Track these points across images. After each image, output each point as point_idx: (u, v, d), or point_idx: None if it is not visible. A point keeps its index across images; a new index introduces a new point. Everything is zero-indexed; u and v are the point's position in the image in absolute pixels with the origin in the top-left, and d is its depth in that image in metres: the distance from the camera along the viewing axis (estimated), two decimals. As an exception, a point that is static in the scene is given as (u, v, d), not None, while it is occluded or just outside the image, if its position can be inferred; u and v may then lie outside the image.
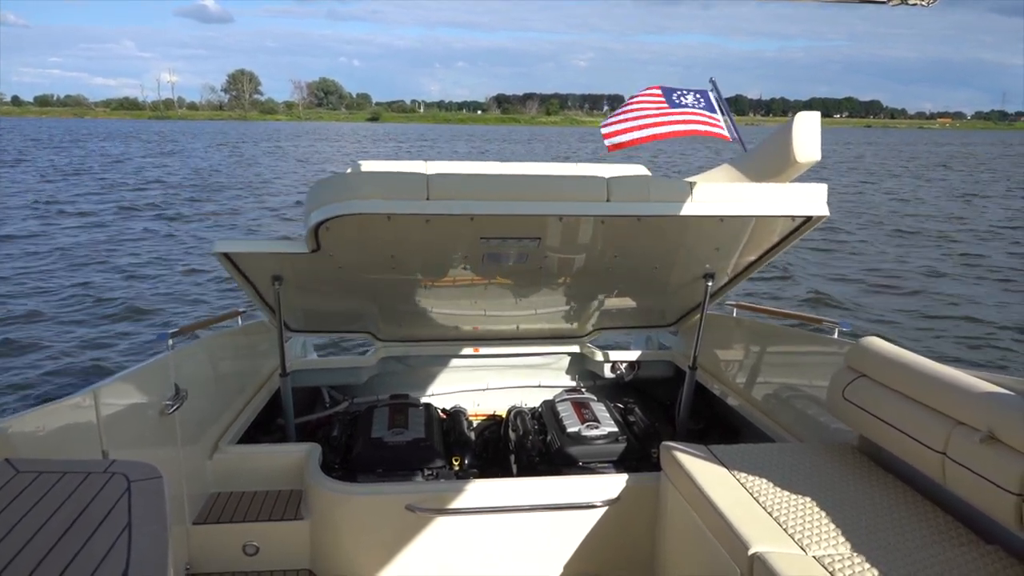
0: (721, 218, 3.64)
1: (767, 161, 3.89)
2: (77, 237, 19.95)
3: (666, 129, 4.95)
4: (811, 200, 3.54)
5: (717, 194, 3.45)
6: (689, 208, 3.43)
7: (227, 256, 3.76)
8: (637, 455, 4.22)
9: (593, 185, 3.36)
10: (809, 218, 3.67)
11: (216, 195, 30.08)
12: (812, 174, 3.78)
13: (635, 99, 5.10)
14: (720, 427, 4.87)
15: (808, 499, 2.92)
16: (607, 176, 3.42)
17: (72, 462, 1.95)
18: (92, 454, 2.73)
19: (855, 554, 2.54)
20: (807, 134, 3.62)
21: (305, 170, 42.88)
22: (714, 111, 4.79)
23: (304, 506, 3.75)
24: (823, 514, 2.81)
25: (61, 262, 16.66)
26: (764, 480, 3.08)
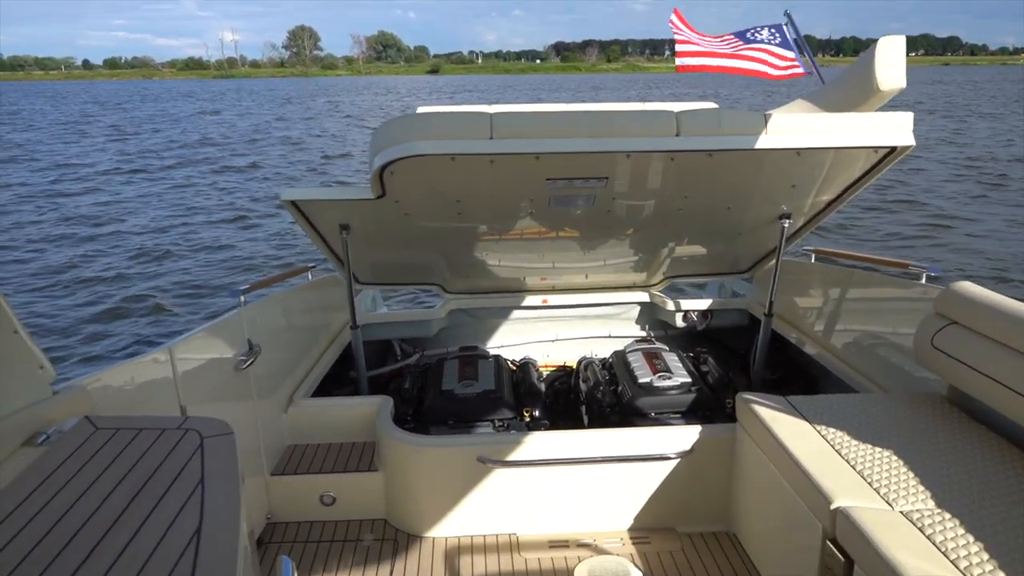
0: (798, 151, 3.45)
1: (847, 92, 3.66)
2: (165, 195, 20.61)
3: (739, 64, 4.74)
4: (896, 129, 3.32)
5: (794, 125, 3.26)
6: (764, 141, 3.26)
7: (295, 204, 3.75)
8: (711, 406, 4.12)
9: (661, 119, 3.22)
10: (893, 149, 3.45)
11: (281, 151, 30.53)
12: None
13: (703, 36, 4.89)
14: (797, 377, 4.71)
15: (894, 452, 2.79)
16: (676, 110, 3.27)
17: (148, 419, 1.96)
18: (170, 410, 2.77)
19: (944, 510, 2.41)
20: (891, 60, 3.39)
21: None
22: (789, 47, 4.55)
23: (378, 458, 3.78)
24: (910, 468, 2.68)
25: (144, 218, 17.19)
26: (846, 432, 2.95)
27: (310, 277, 4.64)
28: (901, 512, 2.43)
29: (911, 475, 2.63)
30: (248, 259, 13.61)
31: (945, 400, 3.23)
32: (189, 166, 26.72)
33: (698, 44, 4.86)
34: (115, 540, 1.43)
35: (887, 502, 2.48)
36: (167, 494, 1.58)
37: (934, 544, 2.24)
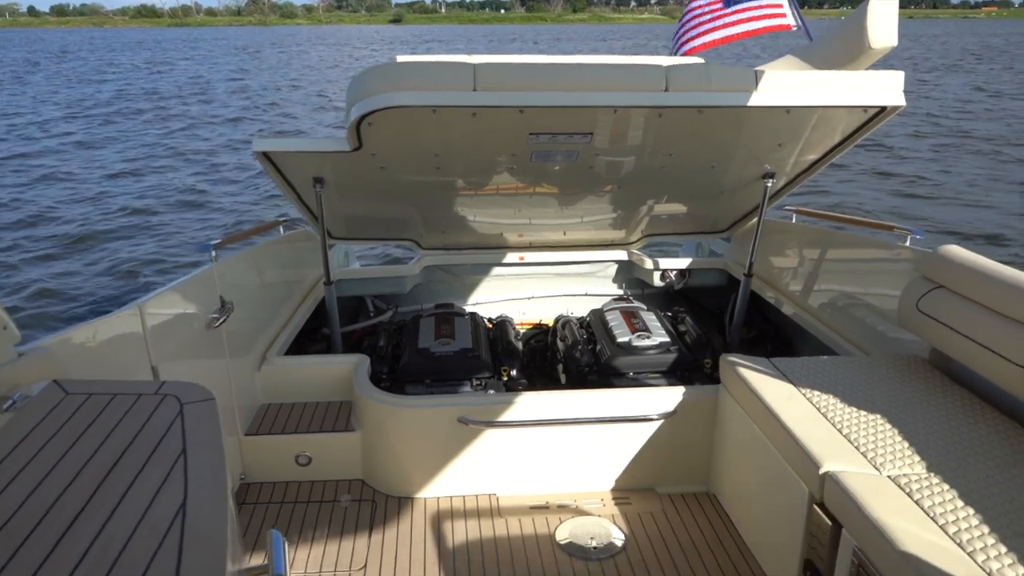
0: (788, 109, 3.40)
1: (837, 49, 3.59)
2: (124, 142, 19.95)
3: (725, 33, 4.67)
4: (887, 88, 3.28)
5: (785, 82, 3.19)
6: (754, 98, 3.19)
7: (266, 156, 3.60)
8: (689, 366, 4.10)
9: (650, 74, 3.13)
10: (883, 109, 3.40)
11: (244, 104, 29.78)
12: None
13: (693, 3, 4.80)
14: (774, 338, 4.72)
15: (879, 415, 2.78)
16: (665, 64, 3.18)
17: (122, 383, 1.84)
18: (141, 370, 2.64)
19: (932, 474, 2.41)
20: (883, 17, 3.32)
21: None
22: None
23: (355, 417, 3.70)
24: (896, 431, 2.68)
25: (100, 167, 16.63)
26: (831, 395, 2.94)
27: (282, 231, 4.49)
28: (889, 476, 2.42)
29: (897, 439, 2.62)
30: (217, 214, 13.26)
31: (927, 363, 3.23)
32: (142, 115, 25.97)
33: (686, 30, 4.78)
34: (93, 517, 1.33)
35: (875, 466, 2.48)
36: (147, 465, 1.48)
37: (922, 509, 2.24)
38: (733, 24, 4.45)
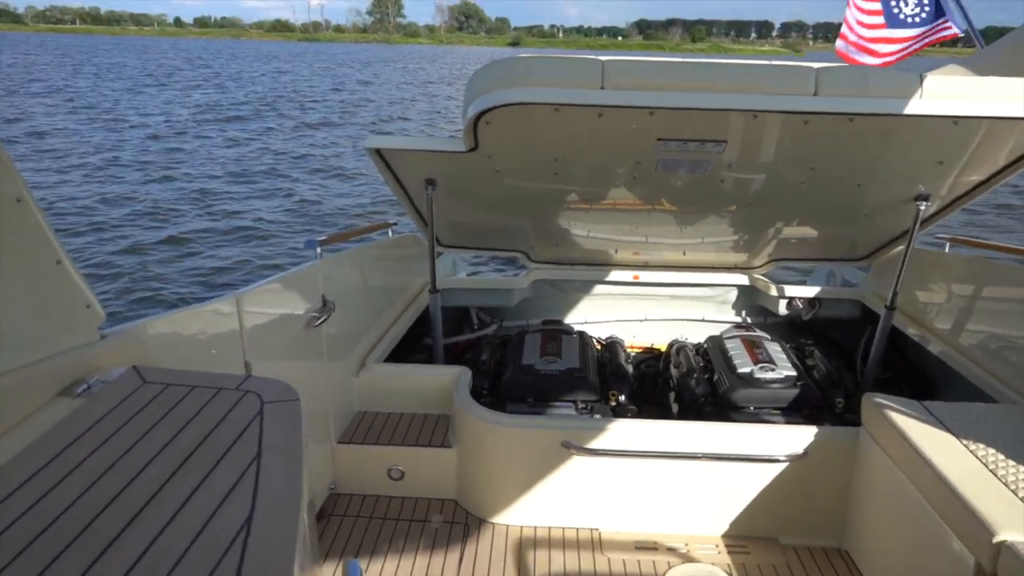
0: (956, 120, 2.98)
1: (1016, 55, 3.16)
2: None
3: (890, 59, 4.31)
4: None
5: (954, 89, 2.80)
6: (917, 106, 2.81)
7: (379, 153, 3.46)
8: (817, 404, 3.71)
9: (798, 76, 2.80)
10: None
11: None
12: None
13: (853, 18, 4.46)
14: (913, 379, 4.23)
15: None
16: (816, 66, 2.84)
17: (204, 375, 1.67)
18: (234, 365, 2.50)
19: None
20: None
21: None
22: (941, 14, 4.03)
23: (452, 433, 3.49)
24: None
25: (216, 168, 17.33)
26: (999, 448, 2.52)
27: (390, 234, 4.36)
28: None
29: None
30: (326, 214, 13.52)
31: None
32: (266, 119, 27.02)
33: (846, 43, 4.46)
34: (150, 522, 1.15)
35: None
36: (216, 468, 1.29)
37: None
38: (902, 50, 4.08)
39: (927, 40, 4.05)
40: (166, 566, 1.05)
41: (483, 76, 2.95)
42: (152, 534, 1.12)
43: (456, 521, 3.32)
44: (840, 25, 4.78)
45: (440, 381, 3.69)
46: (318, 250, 3.24)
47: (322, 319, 3.13)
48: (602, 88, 2.80)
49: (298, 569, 1.07)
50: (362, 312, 3.88)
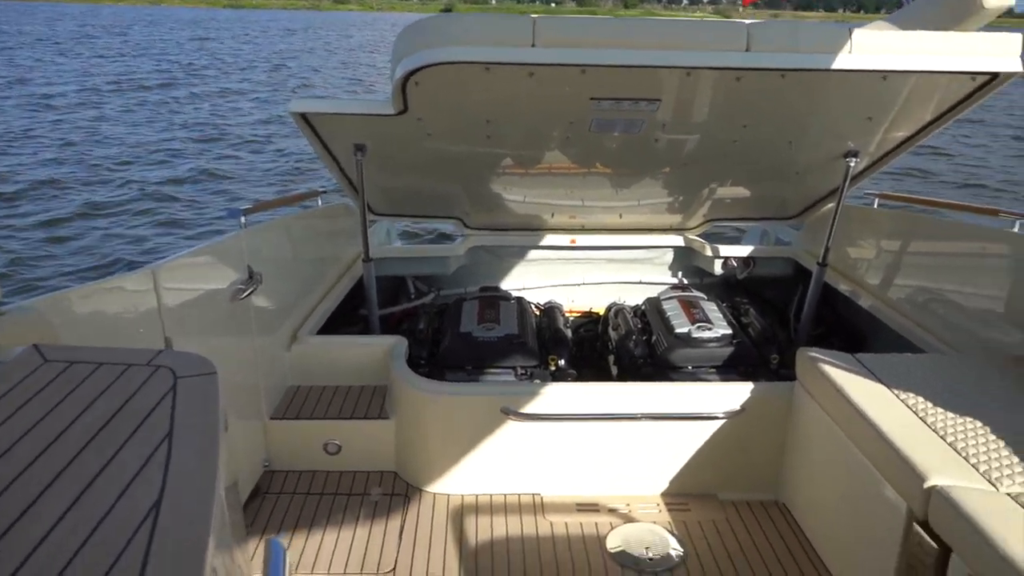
0: (885, 75, 3.01)
1: (938, 11, 3.19)
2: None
3: None
4: (1002, 52, 2.87)
5: (884, 43, 2.81)
6: (847, 61, 2.81)
7: (304, 118, 3.32)
8: (753, 361, 3.76)
9: (730, 32, 2.78)
10: (995, 76, 2.99)
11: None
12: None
13: None
14: (844, 333, 4.32)
15: (988, 422, 2.40)
16: (747, 22, 2.82)
17: (112, 351, 1.56)
18: (152, 343, 2.37)
19: None
20: None
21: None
22: None
23: (389, 404, 3.42)
24: (1010, 441, 2.30)
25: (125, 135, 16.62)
26: (929, 397, 2.57)
27: (320, 203, 4.22)
28: (1008, 494, 2.06)
29: (1012, 451, 2.25)
30: (252, 185, 13.11)
31: None
32: (180, 87, 26.12)
33: None
34: (49, 506, 1.06)
35: (990, 482, 2.11)
36: (124, 449, 1.19)
37: None
38: None
39: None
40: (67, 553, 0.96)
41: (410, 35, 2.84)
42: (52, 520, 1.02)
43: (396, 493, 3.26)
44: None
45: (375, 352, 3.60)
46: (242, 219, 3.10)
47: (248, 291, 3.00)
48: (533, 46, 2.73)
49: (213, 552, 1.00)
50: (292, 283, 3.76)
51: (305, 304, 3.87)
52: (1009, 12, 3.20)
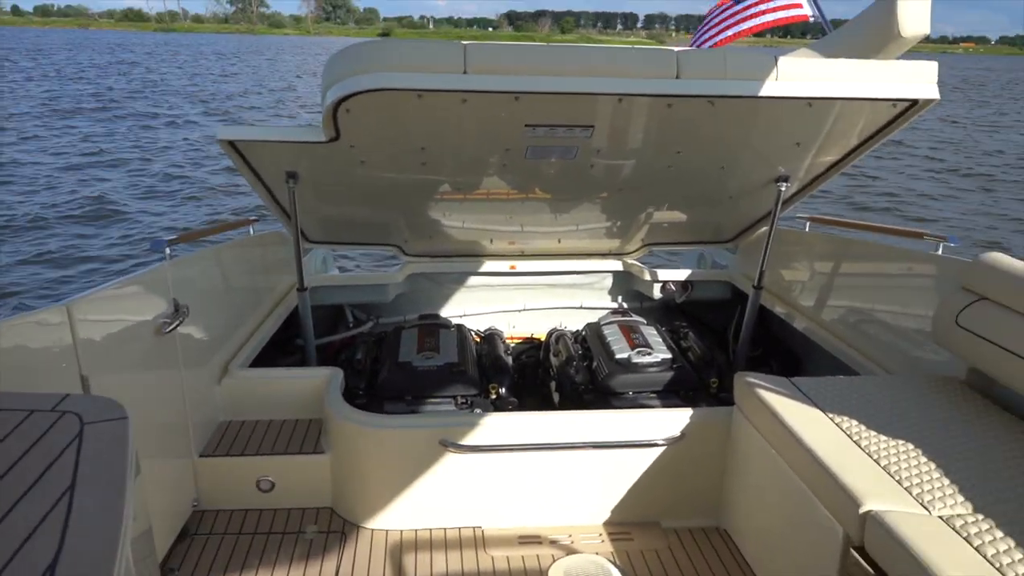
0: (810, 102, 3.08)
1: (861, 38, 3.29)
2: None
3: (737, 29, 4.43)
4: (920, 80, 2.97)
5: (808, 71, 2.88)
6: (774, 88, 2.87)
7: (233, 145, 3.22)
8: (694, 385, 3.77)
9: (660, 59, 2.80)
10: (914, 103, 3.09)
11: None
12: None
13: (710, 13, 4.58)
14: (780, 356, 4.38)
15: (919, 444, 2.44)
16: (677, 50, 2.85)
17: (13, 395, 1.45)
18: (67, 382, 2.24)
19: (988, 516, 2.06)
20: (916, 1, 3.03)
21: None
22: None
23: (325, 438, 3.31)
24: (941, 463, 2.33)
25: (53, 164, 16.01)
26: (862, 419, 2.60)
27: (252, 232, 4.10)
28: (940, 517, 2.08)
29: (944, 473, 2.28)
30: (177, 217, 12.73)
31: (964, 384, 2.90)
32: (110, 113, 25.41)
33: (701, 35, 4.57)
34: None
35: (923, 505, 2.13)
36: (19, 505, 1.09)
37: (985, 557, 1.90)
38: (746, 19, 4.18)
39: (777, 16, 4.16)
40: None
41: (340, 61, 2.78)
42: None
43: (332, 530, 3.15)
44: (701, 18, 4.91)
45: (310, 384, 3.50)
46: (167, 250, 2.99)
47: (174, 324, 2.88)
48: (464, 72, 2.70)
49: None
50: (223, 315, 3.63)
51: (237, 336, 3.75)
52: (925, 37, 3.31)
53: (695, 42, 4.71)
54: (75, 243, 10.77)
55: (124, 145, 19.50)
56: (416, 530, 3.17)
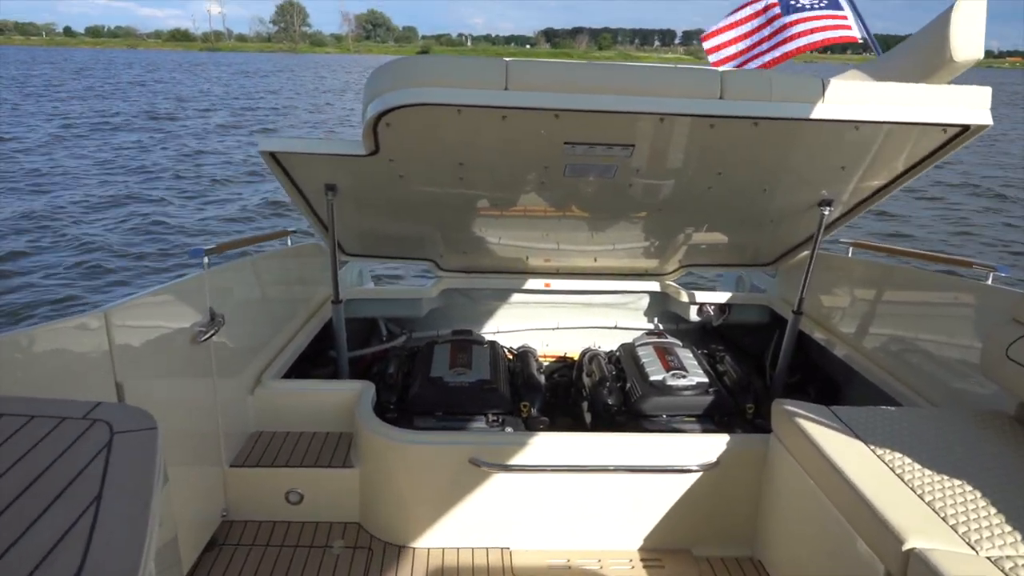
0: (857, 125, 3.00)
1: (912, 62, 3.22)
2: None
3: (785, 49, 4.34)
4: (973, 105, 2.88)
5: (856, 94, 2.81)
6: (820, 111, 2.81)
7: (274, 157, 3.24)
8: (730, 410, 3.69)
9: (704, 79, 2.76)
10: (966, 128, 3.00)
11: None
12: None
13: (744, 6, 4.47)
14: (819, 383, 4.27)
15: (966, 480, 2.34)
16: (721, 70, 2.81)
17: (47, 402, 1.45)
18: (102, 388, 2.25)
19: None
20: (970, 25, 2.97)
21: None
22: (839, 6, 4.09)
23: (355, 452, 3.29)
24: (989, 501, 2.24)
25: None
26: (906, 452, 2.50)
27: (289, 243, 4.13)
28: (988, 558, 1.99)
29: (992, 511, 2.19)
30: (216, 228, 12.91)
31: (1013, 420, 2.79)
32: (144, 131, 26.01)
33: (729, 31, 4.46)
34: None
35: (969, 544, 2.05)
36: (46, 514, 1.08)
37: None
38: (794, 37, 4.10)
39: (827, 35, 4.09)
40: None
41: (382, 75, 2.79)
42: None
43: (359, 546, 3.13)
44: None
45: (342, 397, 3.49)
46: (205, 260, 3.01)
47: (210, 333, 2.89)
48: (506, 89, 2.68)
49: None
50: (258, 325, 3.64)
51: (271, 347, 3.76)
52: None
53: (740, 62, 4.63)
54: (116, 250, 10.97)
55: (168, 156, 19.89)
56: (443, 549, 3.13)
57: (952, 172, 20.66)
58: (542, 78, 2.70)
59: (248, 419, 3.45)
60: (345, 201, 3.69)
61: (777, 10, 4.24)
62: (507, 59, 2.72)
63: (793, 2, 4.19)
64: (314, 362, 4.18)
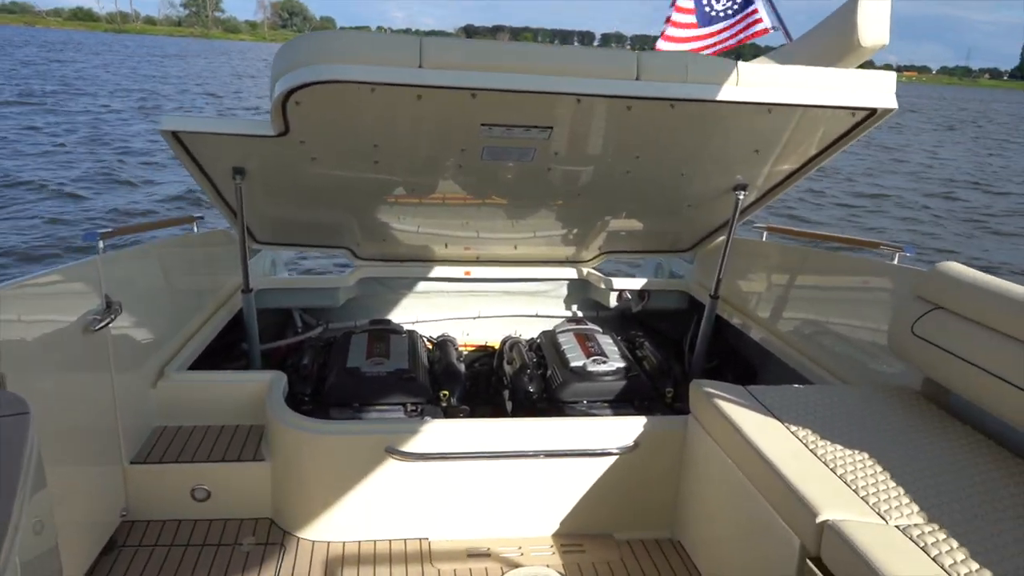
0: (770, 108, 3.05)
1: (821, 47, 3.32)
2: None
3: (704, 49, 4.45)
4: (879, 89, 2.98)
5: (769, 77, 2.86)
6: (735, 93, 2.84)
7: (176, 137, 3.07)
8: (649, 395, 3.72)
9: (621, 60, 2.76)
10: (872, 112, 3.09)
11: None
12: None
13: (670, 23, 4.57)
14: (736, 366, 4.35)
15: (875, 454, 2.42)
16: (638, 52, 2.81)
17: None
18: None
19: (944, 526, 2.04)
20: (875, 11, 3.07)
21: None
22: (750, 3, 4.17)
23: (266, 445, 3.16)
24: (897, 473, 2.31)
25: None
26: (819, 429, 2.57)
27: (195, 229, 3.93)
28: (897, 527, 2.06)
29: (900, 482, 2.26)
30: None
31: (919, 394, 2.90)
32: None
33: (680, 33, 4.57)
34: None
35: (879, 515, 2.10)
36: None
37: (943, 568, 1.87)
38: (712, 45, 4.21)
39: (740, 37, 4.20)
40: None
41: (291, 50, 2.66)
42: None
43: (271, 542, 3.00)
44: (656, 39, 4.93)
45: (251, 388, 3.35)
46: (100, 244, 2.82)
47: (105, 322, 2.71)
48: (420, 67, 2.60)
49: None
50: (161, 315, 3.45)
51: (176, 338, 3.57)
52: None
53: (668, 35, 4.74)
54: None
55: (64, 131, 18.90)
56: (359, 542, 3.03)
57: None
58: (458, 56, 2.63)
59: (150, 413, 3.27)
60: (255, 185, 3.54)
61: (694, 24, 4.36)
62: (421, 36, 2.64)
63: (708, 11, 4.30)
64: (226, 356, 4.01)
